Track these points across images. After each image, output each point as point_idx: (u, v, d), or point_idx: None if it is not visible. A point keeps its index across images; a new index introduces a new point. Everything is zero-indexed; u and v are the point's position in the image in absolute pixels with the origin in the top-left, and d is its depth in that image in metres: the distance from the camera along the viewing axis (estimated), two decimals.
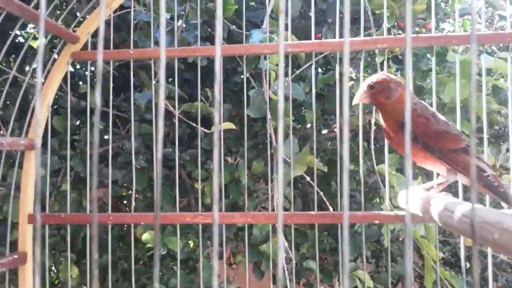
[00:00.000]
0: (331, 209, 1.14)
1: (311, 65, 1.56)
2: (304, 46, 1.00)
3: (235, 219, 1.01)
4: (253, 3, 1.77)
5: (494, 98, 1.37)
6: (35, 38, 1.77)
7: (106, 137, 1.73)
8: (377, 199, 1.87)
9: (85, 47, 1.13)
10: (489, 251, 0.95)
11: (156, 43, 1.16)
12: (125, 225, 1.87)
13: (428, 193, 0.76)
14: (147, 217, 1.06)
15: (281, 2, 0.27)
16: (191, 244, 1.90)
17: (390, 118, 0.80)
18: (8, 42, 1.03)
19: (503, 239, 0.36)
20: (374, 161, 1.05)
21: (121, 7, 1.18)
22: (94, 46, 1.63)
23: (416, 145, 0.78)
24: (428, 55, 1.68)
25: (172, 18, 1.40)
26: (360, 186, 1.93)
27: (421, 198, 0.75)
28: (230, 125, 1.09)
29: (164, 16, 0.28)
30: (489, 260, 0.95)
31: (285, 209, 1.64)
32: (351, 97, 1.46)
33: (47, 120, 1.13)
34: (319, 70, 1.94)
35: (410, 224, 0.24)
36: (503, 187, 0.78)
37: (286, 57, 1.65)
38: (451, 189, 0.99)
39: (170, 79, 1.70)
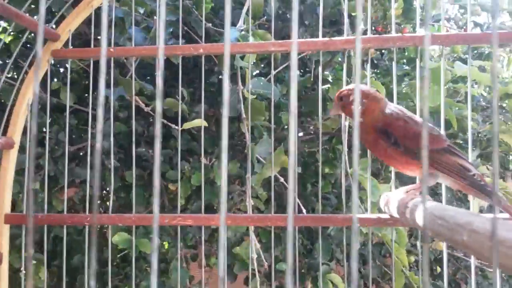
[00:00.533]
0: (304, 211, 1.13)
1: (287, 67, 1.56)
2: (287, 45, 0.98)
3: (214, 221, 0.99)
4: (232, 3, 1.76)
5: (466, 104, 1.39)
6: (5, 31, 1.73)
7: (75, 135, 1.69)
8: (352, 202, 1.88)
9: (65, 45, 1.10)
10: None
11: (130, 39, 1.14)
12: (98, 226, 1.83)
13: (405, 196, 0.76)
14: (125, 218, 1.03)
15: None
16: (166, 245, 1.87)
17: (368, 127, 0.79)
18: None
19: (471, 241, 0.36)
20: (347, 164, 1.05)
21: None
22: (75, 44, 1.59)
23: (397, 150, 0.77)
24: (403, 61, 1.69)
25: (147, 14, 1.38)
26: (335, 188, 1.94)
27: (398, 200, 0.75)
28: (199, 123, 1.07)
29: (106, 11, 0.27)
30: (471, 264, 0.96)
31: (259, 211, 1.63)
32: (325, 99, 1.46)
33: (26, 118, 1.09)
34: (298, 72, 1.94)
35: (356, 225, 0.24)
36: (489, 186, 0.76)
37: (266, 57, 1.65)
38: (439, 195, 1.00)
39: (148, 77, 1.67)
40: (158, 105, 0.26)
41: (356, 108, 0.26)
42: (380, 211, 0.93)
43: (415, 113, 1.43)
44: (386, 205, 0.81)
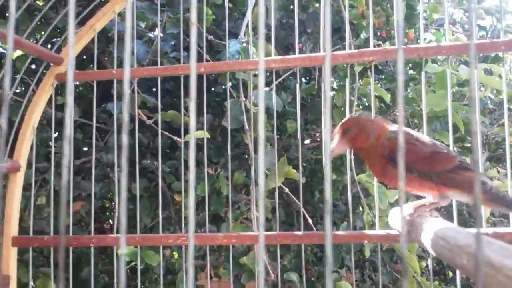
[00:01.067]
0: (310, 220, 1.12)
1: (292, 74, 1.56)
2: (288, 61, 0.97)
3: (219, 240, 0.98)
4: (235, 14, 1.77)
5: (471, 107, 1.37)
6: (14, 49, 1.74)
7: (85, 148, 1.70)
8: (360, 208, 1.86)
9: None
10: None
11: (132, 53, 1.14)
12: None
13: (413, 213, 0.74)
14: (130, 238, 1.03)
15: (192, 15, 0.25)
16: (176, 255, 1.87)
17: (375, 156, 0.75)
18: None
19: (471, 265, 0.35)
20: (354, 171, 1.04)
21: None
22: (78, 67, 1.60)
23: (410, 175, 0.73)
24: (409, 65, 1.68)
25: (150, 28, 1.38)
26: (343, 195, 1.93)
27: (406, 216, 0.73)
28: (201, 134, 1.06)
29: (72, 33, 0.26)
30: None
31: (267, 219, 1.62)
32: (333, 107, 1.45)
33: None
34: (303, 80, 1.94)
35: (329, 245, 0.23)
36: (507, 196, 0.73)
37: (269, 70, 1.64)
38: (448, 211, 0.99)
39: (154, 89, 1.68)
40: (125, 138, 0.25)
41: (327, 138, 0.25)
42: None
43: (421, 117, 1.42)
44: (394, 221, 0.79)
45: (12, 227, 1.04)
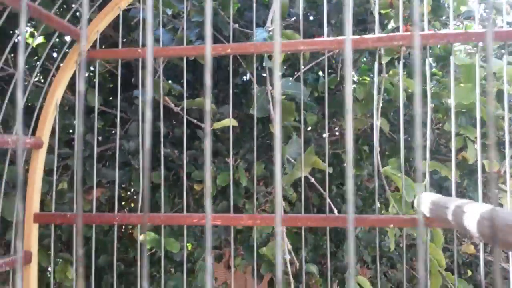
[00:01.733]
0: (335, 211, 1.11)
1: (312, 67, 1.55)
2: (316, 44, 0.96)
3: (243, 221, 0.97)
4: (256, 5, 1.76)
5: (499, 103, 1.35)
6: (32, 36, 1.76)
7: (101, 137, 1.71)
8: (379, 204, 1.85)
9: (93, 47, 1.11)
10: None
11: (157, 40, 1.14)
12: (123, 226, 1.85)
13: (442, 197, 0.73)
14: (154, 217, 1.03)
15: (207, 8, 0.24)
16: (189, 246, 1.87)
17: None
18: (12, 42, 1.00)
19: None
20: (380, 163, 1.03)
21: None
22: (103, 45, 1.61)
23: None
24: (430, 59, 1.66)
25: (173, 16, 1.38)
26: (360, 191, 1.92)
27: (434, 201, 0.73)
28: (227, 122, 1.06)
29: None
30: None
31: (285, 212, 1.62)
32: (355, 100, 1.44)
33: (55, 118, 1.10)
34: (320, 73, 1.92)
35: (351, 225, 0.22)
36: None
37: (289, 58, 1.64)
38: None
39: (178, 77, 1.68)
40: (148, 113, 0.25)
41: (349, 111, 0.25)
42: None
43: (447, 111, 1.39)
44: (420, 205, 0.79)
45: (34, 204, 1.04)
